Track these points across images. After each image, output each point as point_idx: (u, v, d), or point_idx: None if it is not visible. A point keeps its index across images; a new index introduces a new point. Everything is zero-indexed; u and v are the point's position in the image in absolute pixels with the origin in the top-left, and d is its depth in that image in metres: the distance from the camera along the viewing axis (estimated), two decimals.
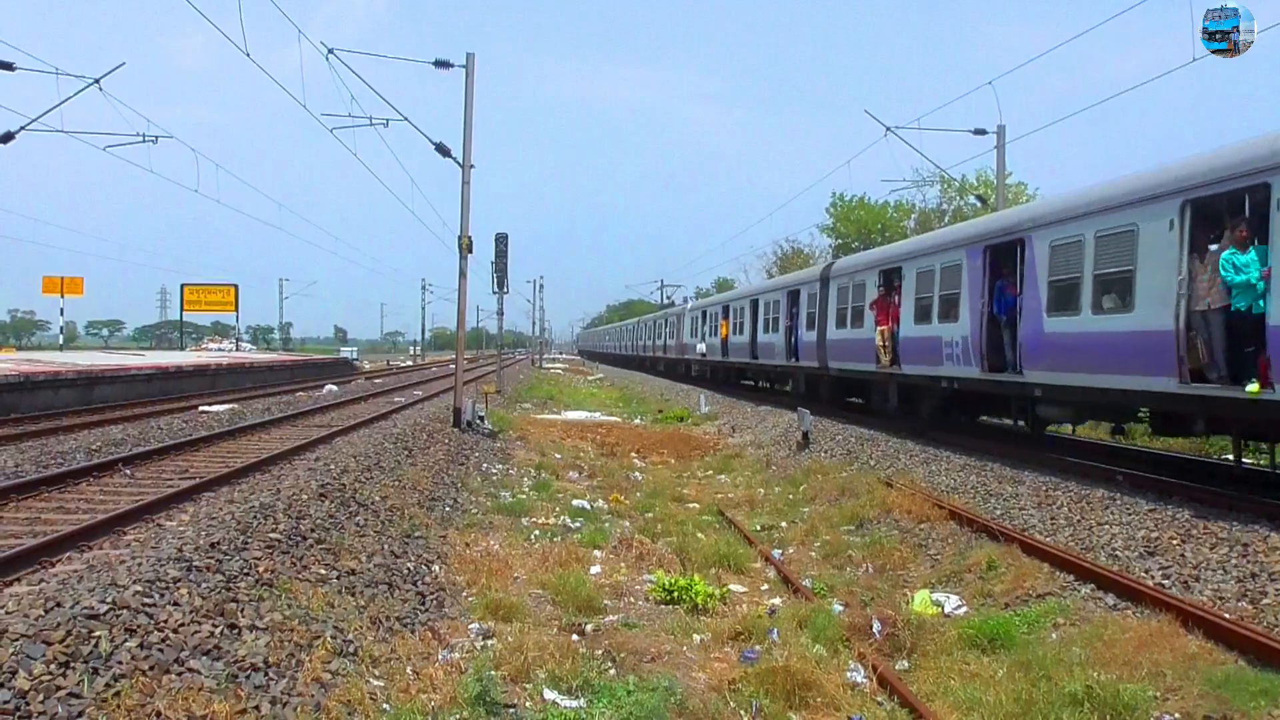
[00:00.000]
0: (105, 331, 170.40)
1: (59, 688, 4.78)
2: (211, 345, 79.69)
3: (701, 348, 39.22)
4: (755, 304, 30.64)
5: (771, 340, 28.37)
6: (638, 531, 12.28)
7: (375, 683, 6.23)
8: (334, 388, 34.58)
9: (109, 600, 5.72)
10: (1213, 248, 10.07)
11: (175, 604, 6.05)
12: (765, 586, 10.15)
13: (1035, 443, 15.54)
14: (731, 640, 7.99)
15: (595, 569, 10.17)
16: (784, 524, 13.47)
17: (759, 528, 13.21)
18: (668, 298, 67.17)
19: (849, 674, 7.08)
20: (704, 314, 40.19)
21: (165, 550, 7.17)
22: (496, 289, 32.78)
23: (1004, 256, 14.80)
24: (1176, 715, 5.94)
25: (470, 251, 21.51)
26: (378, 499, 11.25)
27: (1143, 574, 8.54)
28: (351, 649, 6.63)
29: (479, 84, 20.99)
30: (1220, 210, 10.24)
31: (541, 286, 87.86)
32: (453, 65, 20.77)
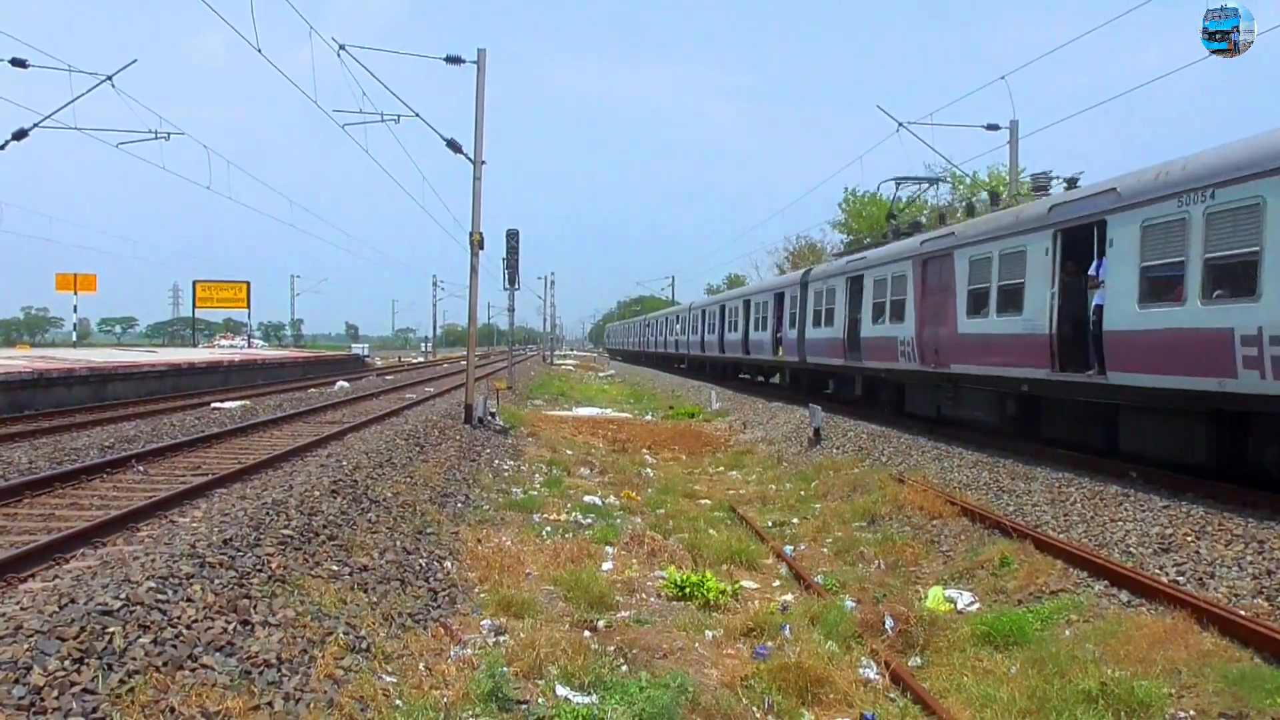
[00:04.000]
0: (118, 328, 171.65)
1: (73, 684, 4.80)
2: (223, 342, 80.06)
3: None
4: None
5: None
6: (649, 528, 12.27)
7: (388, 679, 6.24)
8: (345, 384, 34.67)
9: (123, 596, 5.74)
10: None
11: (189, 600, 6.07)
12: (777, 583, 10.13)
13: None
14: (744, 636, 7.98)
15: (607, 565, 10.17)
16: (796, 520, 13.44)
17: (771, 524, 13.19)
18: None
19: (861, 670, 7.06)
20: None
21: (178, 547, 7.19)
22: (507, 285, 32.84)
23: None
24: (1191, 712, 5.90)
25: (481, 248, 21.52)
26: (389, 495, 11.27)
27: (1157, 571, 8.49)
28: (364, 645, 6.64)
29: (492, 80, 21.04)
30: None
31: (552, 283, 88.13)
32: (464, 61, 20.77)
